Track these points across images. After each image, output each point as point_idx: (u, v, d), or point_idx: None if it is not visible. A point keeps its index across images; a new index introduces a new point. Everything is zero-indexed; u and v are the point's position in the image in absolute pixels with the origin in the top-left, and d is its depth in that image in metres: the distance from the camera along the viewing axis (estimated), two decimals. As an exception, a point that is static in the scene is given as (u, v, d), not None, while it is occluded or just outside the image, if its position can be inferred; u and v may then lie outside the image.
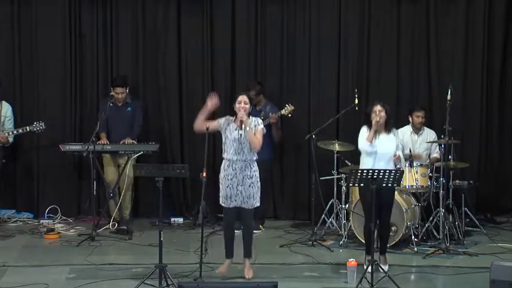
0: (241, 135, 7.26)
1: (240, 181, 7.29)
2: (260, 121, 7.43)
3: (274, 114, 9.37)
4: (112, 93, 9.43)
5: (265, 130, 7.52)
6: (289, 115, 9.38)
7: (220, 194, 7.44)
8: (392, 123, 7.79)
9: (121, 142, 9.41)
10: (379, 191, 7.16)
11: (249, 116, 7.36)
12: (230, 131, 7.34)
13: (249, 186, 7.30)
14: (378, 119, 7.53)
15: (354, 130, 10.06)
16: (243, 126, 7.24)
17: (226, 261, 7.48)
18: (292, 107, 9.34)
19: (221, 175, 7.42)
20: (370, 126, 7.59)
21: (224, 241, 7.52)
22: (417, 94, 10.26)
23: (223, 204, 7.43)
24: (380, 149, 7.55)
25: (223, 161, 7.42)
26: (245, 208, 7.35)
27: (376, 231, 7.44)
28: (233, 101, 7.45)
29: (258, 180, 7.39)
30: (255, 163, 7.38)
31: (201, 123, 7.41)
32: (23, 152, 10.14)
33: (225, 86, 10.27)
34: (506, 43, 10.25)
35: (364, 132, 7.64)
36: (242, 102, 7.31)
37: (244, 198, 7.31)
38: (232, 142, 7.30)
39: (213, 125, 7.43)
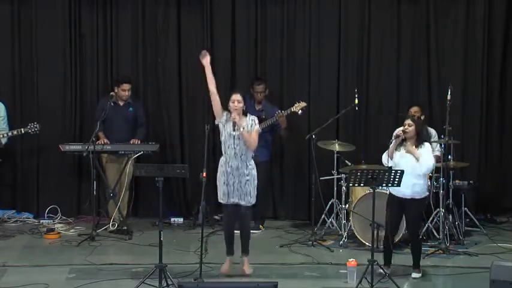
0: (236, 134, 7.30)
1: (236, 178, 7.33)
2: (256, 120, 7.43)
3: (282, 112, 9.24)
4: (113, 93, 9.41)
5: (260, 130, 7.51)
6: (300, 112, 9.27)
7: (218, 191, 7.47)
8: (424, 136, 7.50)
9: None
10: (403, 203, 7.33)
11: (245, 115, 7.37)
12: (227, 127, 7.37)
13: (245, 183, 7.36)
14: (403, 135, 7.33)
15: (354, 130, 10.15)
16: (236, 127, 7.27)
17: (227, 259, 7.50)
18: (304, 104, 9.28)
19: (219, 171, 7.45)
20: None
21: (224, 238, 7.57)
22: (417, 94, 10.24)
23: (221, 201, 7.48)
24: (399, 165, 7.32)
25: (222, 156, 7.46)
26: (242, 205, 7.40)
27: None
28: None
29: (255, 178, 7.42)
30: (252, 161, 7.43)
31: (215, 99, 7.40)
32: (23, 152, 10.13)
33: (225, 86, 10.20)
34: (506, 43, 10.24)
35: (391, 145, 7.42)
36: (235, 101, 7.32)
37: (241, 195, 7.37)
38: (228, 138, 7.35)
39: (219, 108, 7.40)
